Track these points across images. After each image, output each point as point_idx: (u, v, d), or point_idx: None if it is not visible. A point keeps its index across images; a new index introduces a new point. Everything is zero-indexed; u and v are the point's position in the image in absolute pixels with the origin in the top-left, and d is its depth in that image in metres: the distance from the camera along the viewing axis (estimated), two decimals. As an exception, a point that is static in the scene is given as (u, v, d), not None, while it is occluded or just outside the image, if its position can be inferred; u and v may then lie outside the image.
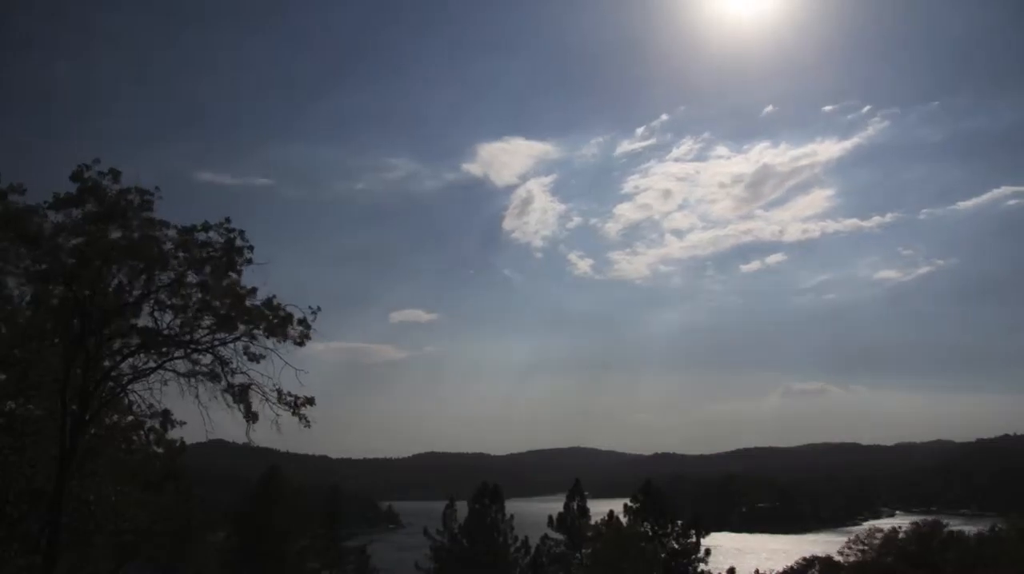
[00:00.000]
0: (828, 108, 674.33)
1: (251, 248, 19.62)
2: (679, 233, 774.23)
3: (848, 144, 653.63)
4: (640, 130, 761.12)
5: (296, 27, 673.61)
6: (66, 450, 18.78)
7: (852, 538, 65.01)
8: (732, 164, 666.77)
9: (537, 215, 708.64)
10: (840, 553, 65.12)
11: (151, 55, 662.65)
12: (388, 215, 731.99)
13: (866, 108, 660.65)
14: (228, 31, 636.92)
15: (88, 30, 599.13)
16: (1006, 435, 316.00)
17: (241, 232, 19.46)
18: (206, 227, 19.33)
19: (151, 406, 21.91)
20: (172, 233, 19.39)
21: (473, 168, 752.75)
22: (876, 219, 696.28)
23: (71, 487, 20.85)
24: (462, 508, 57.29)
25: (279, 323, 19.56)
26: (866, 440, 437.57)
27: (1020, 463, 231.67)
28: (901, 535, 59.80)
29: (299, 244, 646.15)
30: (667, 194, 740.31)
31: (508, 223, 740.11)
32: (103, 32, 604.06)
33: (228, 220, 19.55)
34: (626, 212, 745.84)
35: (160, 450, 27.11)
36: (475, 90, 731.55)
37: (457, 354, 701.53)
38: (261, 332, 19.61)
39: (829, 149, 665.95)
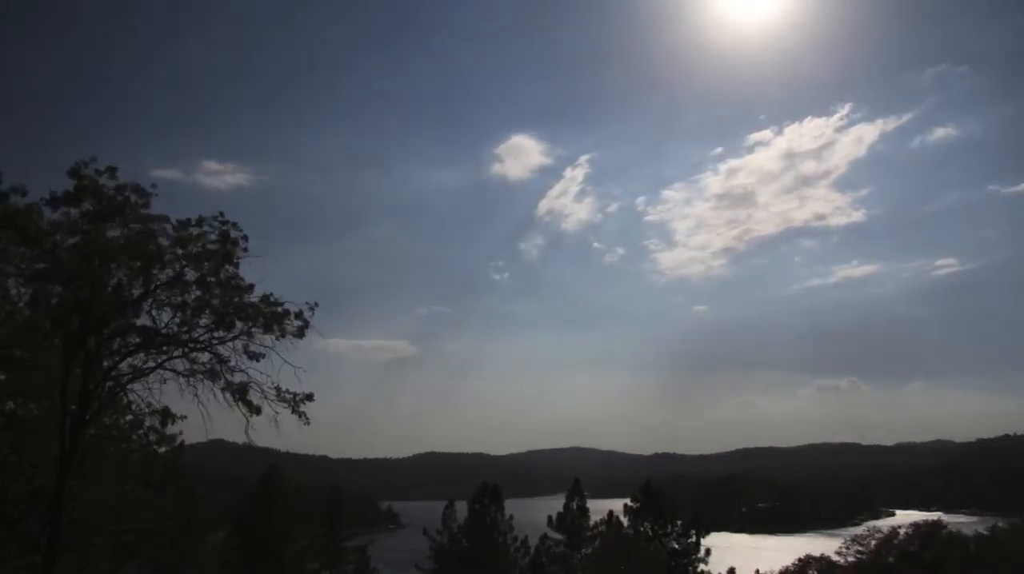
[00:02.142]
0: (909, 74, 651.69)
1: (245, 238, 19.58)
2: (723, 218, 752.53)
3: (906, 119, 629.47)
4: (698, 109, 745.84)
5: (320, 12, 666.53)
6: (66, 450, 18.75)
7: (851, 538, 64.93)
8: (795, 140, 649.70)
9: (570, 204, 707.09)
10: (839, 553, 65.06)
11: (156, 39, 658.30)
12: (415, 207, 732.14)
13: (941, 66, 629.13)
14: (237, 26, 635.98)
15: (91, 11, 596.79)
16: (1006, 435, 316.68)
17: (235, 224, 19.42)
18: (200, 221, 19.28)
19: (150, 405, 21.90)
20: (168, 228, 19.34)
21: (505, 156, 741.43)
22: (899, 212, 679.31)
23: (71, 487, 20.83)
24: (462, 508, 57.25)
25: (276, 318, 19.52)
26: (866, 440, 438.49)
27: (1020, 463, 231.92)
28: (901, 535, 59.74)
29: (318, 239, 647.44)
30: (720, 174, 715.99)
31: (540, 213, 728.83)
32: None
33: (222, 214, 19.52)
34: (672, 196, 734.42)
35: (160, 450, 27.13)
36: (503, 78, 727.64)
37: (466, 353, 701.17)
38: (259, 329, 19.57)
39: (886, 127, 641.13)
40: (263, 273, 19.83)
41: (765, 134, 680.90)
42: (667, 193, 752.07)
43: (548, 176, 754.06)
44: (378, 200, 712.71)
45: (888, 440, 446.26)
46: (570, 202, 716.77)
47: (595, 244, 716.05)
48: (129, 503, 27.89)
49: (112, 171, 18.97)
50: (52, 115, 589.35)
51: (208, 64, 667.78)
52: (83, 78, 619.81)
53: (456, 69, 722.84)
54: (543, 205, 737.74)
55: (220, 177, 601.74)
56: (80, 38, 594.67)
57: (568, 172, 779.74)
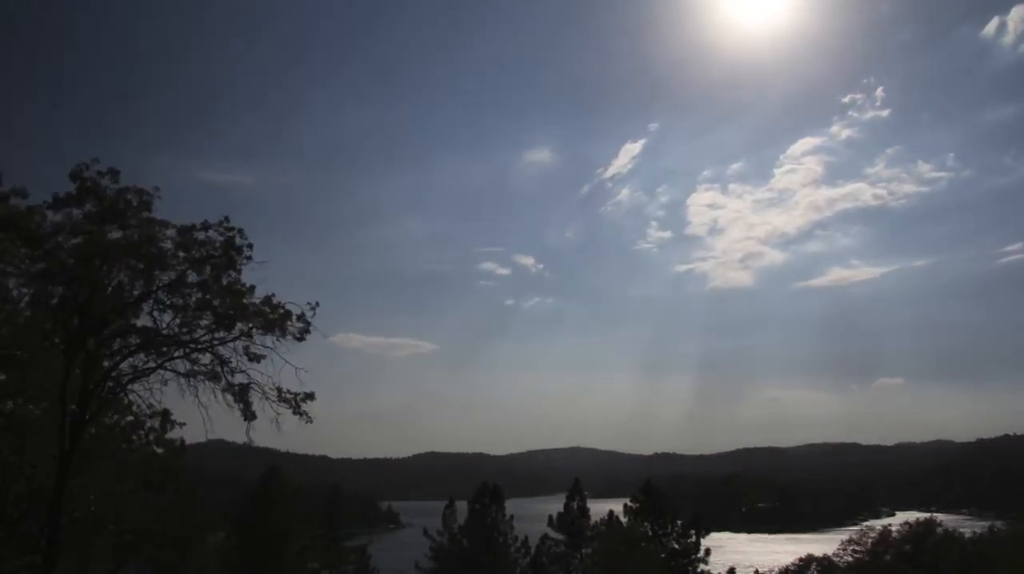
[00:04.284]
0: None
1: (250, 246, 19.63)
2: (778, 201, 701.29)
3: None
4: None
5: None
6: (66, 450, 18.78)
7: (849, 538, 65.14)
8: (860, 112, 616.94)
9: (612, 187, 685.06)
10: (836, 555, 65.29)
11: (160, 38, 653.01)
12: (450, 202, 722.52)
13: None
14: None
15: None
16: (1006, 435, 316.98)
17: (240, 231, 19.47)
18: (205, 226, 19.33)
19: (151, 406, 21.94)
20: (171, 232, 19.38)
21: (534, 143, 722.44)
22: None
23: (71, 487, 20.86)
24: (462, 508, 57.27)
25: (277, 320, 19.55)
26: (866, 440, 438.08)
27: (1020, 463, 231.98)
28: (895, 534, 59.81)
29: (329, 235, 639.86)
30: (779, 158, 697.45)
31: (567, 205, 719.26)
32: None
33: (227, 219, 19.57)
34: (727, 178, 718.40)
35: (160, 450, 27.15)
36: (540, 51, 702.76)
37: (467, 353, 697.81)
38: (259, 330, 19.59)
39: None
40: (266, 275, 19.86)
41: (855, 97, 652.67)
42: (718, 181, 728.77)
43: (580, 167, 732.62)
44: (395, 194, 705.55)
45: (888, 440, 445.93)
46: (612, 186, 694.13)
47: (621, 234, 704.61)
48: (129, 503, 27.93)
49: (115, 174, 19.01)
50: (51, 115, 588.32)
51: (214, 61, 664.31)
52: (82, 77, 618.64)
53: (487, 49, 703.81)
54: (572, 195, 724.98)
55: (230, 174, 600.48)
56: (79, 38, 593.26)
57: (628, 145, 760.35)
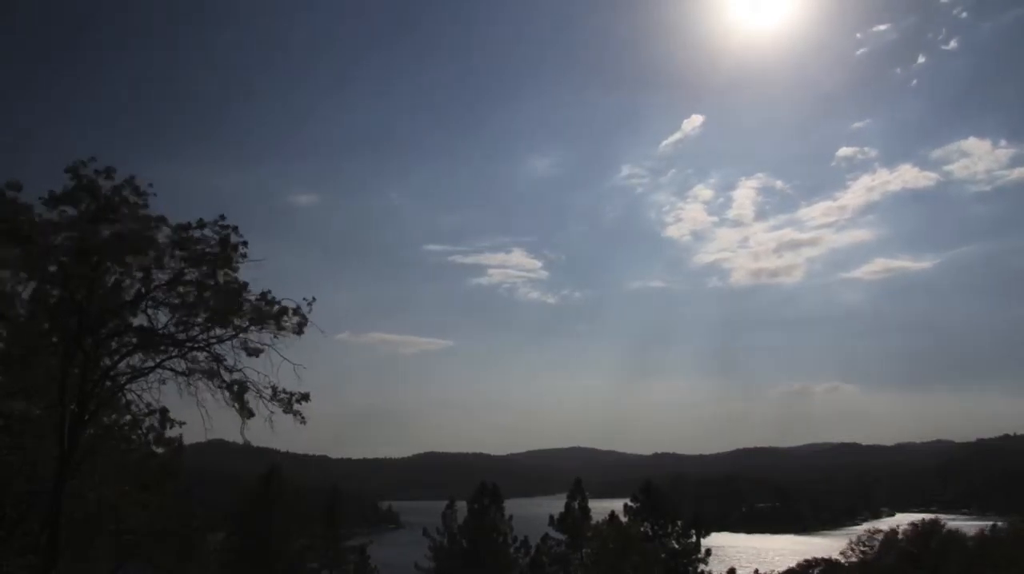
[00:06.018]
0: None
1: (245, 244, 19.59)
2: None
3: None
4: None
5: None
6: (65, 450, 18.73)
7: (854, 539, 65.25)
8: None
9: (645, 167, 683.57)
10: (842, 553, 65.36)
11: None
12: (477, 199, 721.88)
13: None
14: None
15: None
16: (1006, 435, 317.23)
17: (235, 228, 19.43)
18: (201, 224, 19.27)
19: (149, 405, 21.87)
20: (166, 231, 19.32)
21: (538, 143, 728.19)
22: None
23: (71, 487, 20.81)
24: (462, 508, 57.19)
25: (274, 316, 19.48)
26: (866, 440, 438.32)
27: (1020, 463, 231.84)
28: (900, 535, 59.86)
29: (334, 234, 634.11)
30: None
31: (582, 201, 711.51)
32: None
33: (223, 217, 19.53)
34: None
35: (159, 450, 27.08)
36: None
37: (468, 352, 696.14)
38: (254, 325, 19.53)
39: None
40: (262, 274, 19.80)
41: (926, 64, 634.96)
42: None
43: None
44: (411, 189, 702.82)
45: (888, 440, 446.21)
46: (656, 164, 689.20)
47: (648, 222, 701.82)
48: (129, 503, 27.87)
49: (109, 172, 18.92)
50: (52, 117, 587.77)
51: (220, 60, 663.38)
52: (83, 78, 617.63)
53: (517, 31, 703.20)
54: (598, 187, 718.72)
55: (235, 173, 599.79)
56: (79, 37, 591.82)
57: (692, 117, 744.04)
